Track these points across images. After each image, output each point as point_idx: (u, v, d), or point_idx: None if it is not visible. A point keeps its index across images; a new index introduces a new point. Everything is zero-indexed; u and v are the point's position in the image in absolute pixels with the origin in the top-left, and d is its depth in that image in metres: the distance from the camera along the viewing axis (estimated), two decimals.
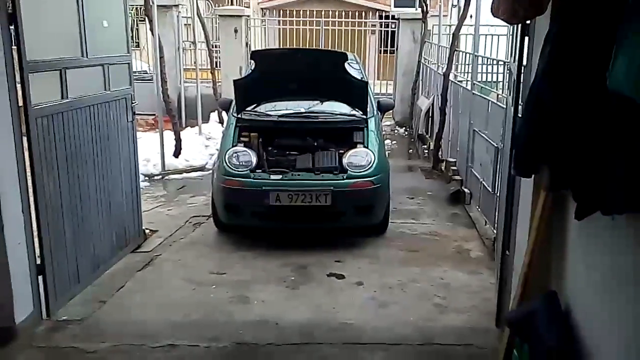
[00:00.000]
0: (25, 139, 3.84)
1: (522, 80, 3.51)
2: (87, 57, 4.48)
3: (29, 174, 3.87)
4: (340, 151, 5.66)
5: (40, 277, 4.01)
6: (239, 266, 5.08)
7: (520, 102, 3.48)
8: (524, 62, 3.46)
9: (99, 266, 4.75)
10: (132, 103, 5.19)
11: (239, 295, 4.53)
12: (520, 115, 3.34)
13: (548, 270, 3.06)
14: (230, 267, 5.05)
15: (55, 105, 4.14)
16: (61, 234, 4.21)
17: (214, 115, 11.45)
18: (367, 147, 5.69)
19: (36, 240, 3.98)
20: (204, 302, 4.42)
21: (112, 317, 4.19)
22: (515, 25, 3.89)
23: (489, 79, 7.74)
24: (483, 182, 6.18)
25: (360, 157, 5.57)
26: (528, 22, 3.27)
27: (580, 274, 2.71)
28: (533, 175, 2.98)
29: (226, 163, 5.50)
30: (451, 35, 8.48)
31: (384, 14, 15.63)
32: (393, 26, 13.37)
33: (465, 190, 6.99)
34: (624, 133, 1.98)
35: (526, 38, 3.41)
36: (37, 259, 4.00)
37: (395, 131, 12.29)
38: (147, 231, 5.76)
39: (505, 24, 3.78)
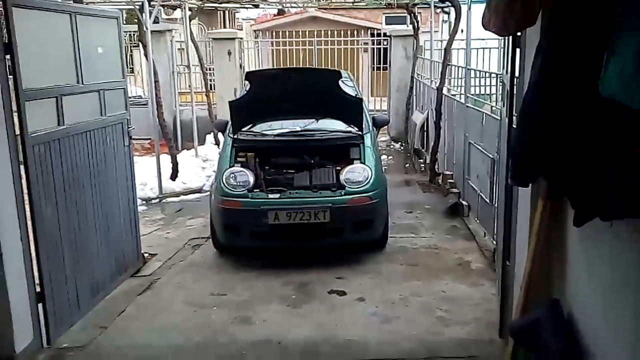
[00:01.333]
0: (22, 167, 3.84)
1: (515, 92, 3.54)
2: (82, 83, 4.51)
3: (27, 201, 3.87)
4: (337, 168, 5.67)
5: (40, 305, 3.99)
6: (240, 287, 5.06)
7: (514, 113, 3.50)
8: (517, 74, 3.49)
9: (99, 292, 4.73)
10: (128, 128, 5.20)
11: (241, 315, 4.50)
12: (514, 126, 3.36)
13: (549, 278, 3.06)
14: (231, 288, 5.03)
15: (52, 132, 4.15)
16: (60, 260, 4.20)
17: (209, 137, 11.49)
18: (364, 163, 5.70)
19: (35, 267, 3.96)
20: (206, 324, 4.39)
21: (114, 342, 4.16)
22: (506, 38, 3.93)
23: (482, 91, 7.79)
24: (480, 193, 6.19)
25: (357, 173, 5.58)
26: (519, 34, 3.31)
27: (581, 280, 2.71)
28: (530, 185, 2.99)
29: (224, 184, 5.50)
30: (443, 50, 8.56)
31: (375, 32, 15.75)
32: (385, 43, 13.48)
33: (463, 202, 6.99)
34: (618, 138, 1.99)
35: (517, 50, 3.44)
36: (36, 286, 3.98)
37: (391, 146, 12.33)
38: (146, 255, 5.74)
39: (496, 36, 3.82)
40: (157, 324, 4.42)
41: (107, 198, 4.86)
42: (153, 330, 4.33)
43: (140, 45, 8.91)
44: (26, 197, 3.86)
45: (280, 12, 21.89)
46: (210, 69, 12.41)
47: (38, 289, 3.99)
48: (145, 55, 8.60)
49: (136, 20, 8.71)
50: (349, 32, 14.89)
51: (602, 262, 2.47)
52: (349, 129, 6.09)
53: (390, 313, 4.48)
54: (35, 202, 3.92)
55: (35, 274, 3.98)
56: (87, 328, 4.34)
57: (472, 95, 7.32)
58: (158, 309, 4.68)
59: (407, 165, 10.53)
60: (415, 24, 11.87)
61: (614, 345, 2.37)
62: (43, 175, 4.00)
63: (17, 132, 3.79)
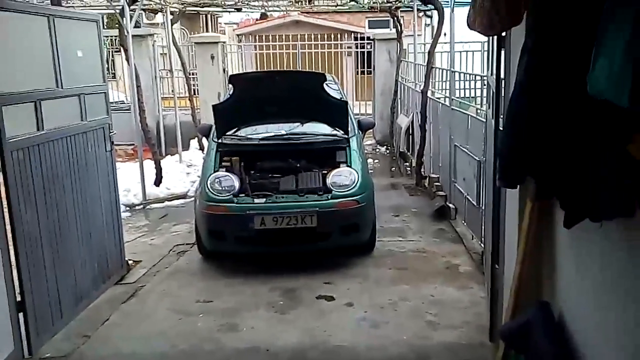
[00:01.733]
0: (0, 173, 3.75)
1: (501, 93, 3.52)
2: (62, 87, 4.42)
3: (5, 208, 3.77)
4: (324, 171, 5.63)
5: (20, 314, 3.89)
6: (226, 293, 4.99)
7: (500, 114, 3.49)
8: (502, 75, 3.47)
9: (82, 300, 4.63)
10: (110, 132, 5.12)
11: (227, 322, 4.43)
12: (501, 128, 3.34)
13: (539, 280, 3.04)
14: (217, 295, 4.95)
15: (31, 138, 4.05)
16: (41, 269, 4.09)
17: (194, 142, 11.41)
18: (350, 167, 5.67)
19: (15, 276, 3.86)
20: (191, 331, 4.32)
21: (98, 351, 4.07)
22: (491, 38, 3.92)
23: (467, 94, 7.81)
24: (467, 196, 6.18)
25: (344, 177, 5.55)
26: (504, 34, 3.29)
27: (571, 282, 2.69)
28: (518, 186, 2.97)
29: (208, 189, 5.43)
30: (427, 53, 8.57)
31: (359, 36, 15.77)
32: (369, 47, 13.50)
33: (450, 205, 6.99)
34: (607, 136, 1.97)
35: (502, 50, 3.42)
36: (16, 295, 3.88)
37: (377, 150, 12.33)
38: (130, 262, 5.65)
39: (479, 39, 3.80)
40: (141, 332, 4.34)
41: (89, 205, 4.77)
42: (137, 339, 4.24)
43: (122, 49, 8.80)
44: (5, 204, 3.77)
45: (263, 17, 21.83)
46: (193, 74, 12.32)
47: (19, 298, 3.89)
48: (127, 59, 8.49)
49: (117, 25, 8.60)
50: (332, 36, 14.89)
51: (592, 263, 2.45)
52: (335, 132, 6.06)
53: (379, 318, 4.44)
54: (15, 209, 3.82)
55: (16, 282, 3.87)
56: (70, 337, 4.24)
57: (457, 97, 7.33)
58: (142, 317, 4.60)
59: (393, 168, 10.52)
60: (399, 28, 11.89)
61: (605, 346, 2.34)
62: (22, 182, 3.91)
63: None
